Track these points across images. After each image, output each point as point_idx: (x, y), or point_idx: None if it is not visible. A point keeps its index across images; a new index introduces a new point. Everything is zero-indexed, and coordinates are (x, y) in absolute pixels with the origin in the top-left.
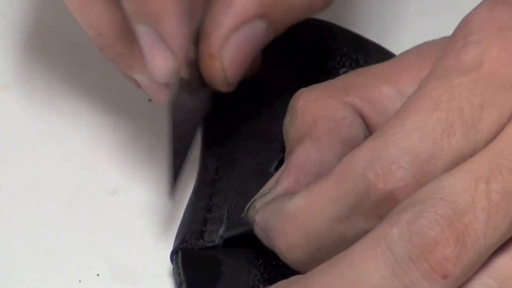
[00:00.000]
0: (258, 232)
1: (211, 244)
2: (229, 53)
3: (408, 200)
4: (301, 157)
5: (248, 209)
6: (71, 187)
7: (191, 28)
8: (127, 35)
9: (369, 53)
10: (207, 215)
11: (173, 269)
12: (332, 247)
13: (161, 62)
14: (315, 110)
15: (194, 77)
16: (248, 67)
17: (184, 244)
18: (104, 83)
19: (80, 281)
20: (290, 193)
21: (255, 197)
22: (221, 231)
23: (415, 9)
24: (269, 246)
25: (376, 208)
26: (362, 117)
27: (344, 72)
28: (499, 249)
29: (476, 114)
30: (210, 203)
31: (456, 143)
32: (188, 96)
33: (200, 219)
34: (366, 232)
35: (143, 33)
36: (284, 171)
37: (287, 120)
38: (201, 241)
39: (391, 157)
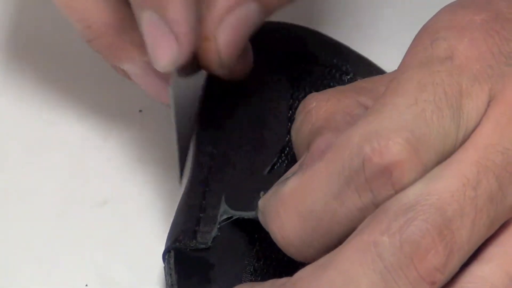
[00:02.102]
0: (260, 219)
1: (203, 246)
2: (224, 35)
3: (397, 203)
4: (323, 144)
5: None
6: (61, 198)
7: (196, 15)
8: (117, 25)
9: (358, 65)
10: (200, 214)
11: (164, 268)
12: (325, 229)
13: (165, 50)
14: (330, 107)
15: (188, 60)
16: (241, 56)
17: (177, 243)
18: (95, 95)
19: None
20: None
21: (279, 180)
22: (214, 231)
23: (405, 20)
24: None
25: (370, 183)
26: None
27: (335, 83)
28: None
29: (457, 101)
30: (203, 202)
31: (445, 125)
32: (185, 80)
33: (193, 218)
34: (358, 210)
35: (147, 19)
36: (308, 156)
37: (297, 122)
38: (194, 241)
39: (388, 132)
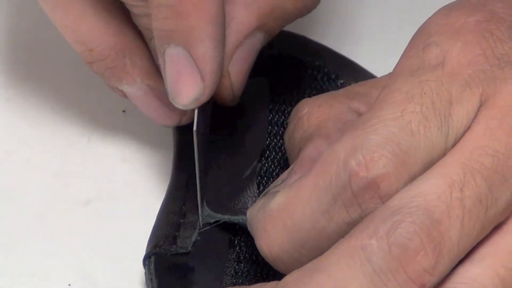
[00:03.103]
0: (248, 227)
1: (183, 251)
2: (236, 69)
3: (383, 208)
4: (313, 151)
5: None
6: (44, 197)
7: (223, 54)
8: (120, 48)
9: (341, 67)
10: (181, 220)
11: (145, 274)
12: (313, 244)
13: (189, 87)
14: (322, 113)
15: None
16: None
17: (157, 249)
18: (79, 94)
19: None
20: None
21: (268, 188)
22: (194, 236)
23: (385, 22)
24: None
25: (358, 197)
26: None
27: (316, 85)
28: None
29: (446, 109)
30: (183, 208)
31: (431, 136)
32: (204, 114)
33: (174, 224)
34: (346, 225)
35: (172, 54)
36: (297, 163)
37: (290, 128)
38: (174, 246)
39: (373, 146)
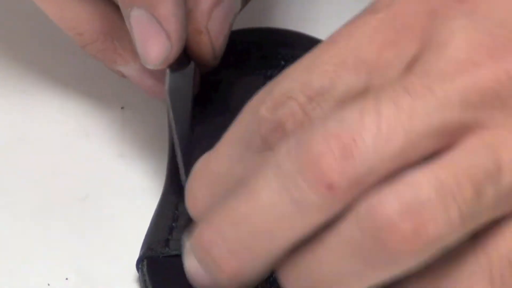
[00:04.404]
0: None
1: (176, 252)
2: (215, 27)
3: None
4: None
5: None
6: (42, 192)
7: (185, 10)
8: (108, 32)
9: None
10: (173, 224)
11: (139, 277)
12: None
13: (156, 47)
14: None
15: (179, 56)
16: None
17: (150, 252)
18: (77, 90)
19: (48, 285)
20: None
21: None
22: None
23: None
24: None
25: (267, 141)
26: None
27: None
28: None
29: (374, 52)
30: (176, 211)
31: (348, 79)
32: (178, 75)
33: (166, 227)
34: None
35: (136, 17)
36: None
37: None
38: (166, 249)
39: (282, 90)
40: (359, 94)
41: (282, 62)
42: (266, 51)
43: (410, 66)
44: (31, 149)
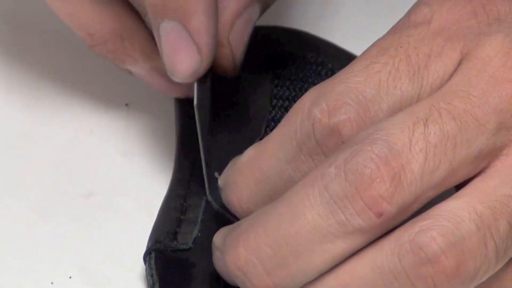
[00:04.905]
0: (222, 198)
1: (184, 247)
2: (236, 39)
3: (348, 142)
4: None
5: None
6: (46, 189)
7: (217, 24)
8: (119, 33)
9: (345, 63)
10: (181, 216)
11: (145, 270)
12: (281, 194)
13: (185, 60)
14: None
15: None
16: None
17: (158, 245)
18: (82, 88)
19: (52, 283)
20: None
21: None
22: (194, 232)
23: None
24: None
25: (321, 145)
26: None
27: (320, 81)
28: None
29: (422, 62)
30: (184, 204)
31: (401, 87)
32: (204, 87)
33: (174, 220)
34: None
35: (167, 28)
36: None
37: None
38: (174, 242)
39: (337, 94)
40: (410, 108)
41: (290, 62)
42: (274, 50)
43: (452, 79)
44: (36, 146)
